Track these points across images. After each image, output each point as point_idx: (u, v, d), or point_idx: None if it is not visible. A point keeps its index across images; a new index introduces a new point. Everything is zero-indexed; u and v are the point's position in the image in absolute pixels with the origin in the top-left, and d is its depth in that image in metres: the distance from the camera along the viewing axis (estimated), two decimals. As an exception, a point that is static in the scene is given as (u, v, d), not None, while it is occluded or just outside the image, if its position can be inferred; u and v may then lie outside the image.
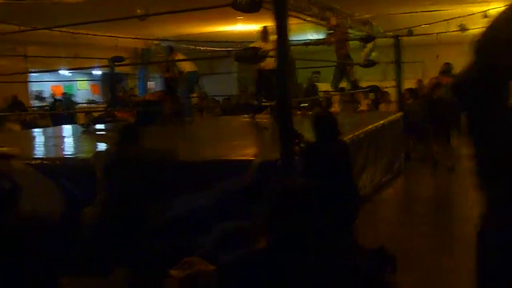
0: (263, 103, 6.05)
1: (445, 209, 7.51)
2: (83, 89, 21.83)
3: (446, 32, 16.89)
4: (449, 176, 9.47)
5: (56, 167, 5.50)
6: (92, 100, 20.94)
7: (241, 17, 16.20)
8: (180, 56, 9.98)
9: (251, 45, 8.28)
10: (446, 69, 11.77)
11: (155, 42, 19.51)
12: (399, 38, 10.58)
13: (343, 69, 10.18)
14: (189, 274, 2.34)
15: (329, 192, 4.43)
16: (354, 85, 10.32)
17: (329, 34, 10.37)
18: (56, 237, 1.95)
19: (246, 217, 4.61)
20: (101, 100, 20.15)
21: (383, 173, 8.09)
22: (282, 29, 4.74)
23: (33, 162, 5.58)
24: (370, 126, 7.45)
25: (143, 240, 4.65)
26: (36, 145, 8.23)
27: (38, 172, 5.49)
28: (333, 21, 10.29)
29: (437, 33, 16.95)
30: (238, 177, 4.61)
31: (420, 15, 15.77)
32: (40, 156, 5.86)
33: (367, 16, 15.15)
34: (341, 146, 5.01)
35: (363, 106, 10.69)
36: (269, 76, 7.49)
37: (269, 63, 7.03)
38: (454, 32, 16.97)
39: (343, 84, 10.98)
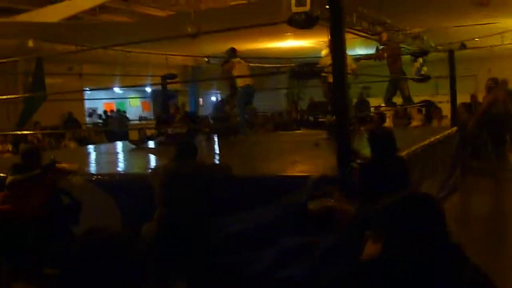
0: (319, 119, 6.03)
1: (503, 227, 7.30)
2: (134, 106, 22.29)
3: (499, 45, 16.55)
4: (507, 192, 9.22)
5: (114, 183, 5.60)
6: (144, 117, 21.34)
7: (290, 33, 16.27)
8: (242, 64, 9.97)
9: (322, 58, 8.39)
10: (494, 84, 11.57)
11: (205, 59, 19.73)
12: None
13: (396, 84, 10.07)
14: (326, 207, 2.33)
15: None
16: (409, 100, 10.18)
17: (381, 49, 10.30)
18: (115, 253, 1.95)
19: (303, 233, 4.60)
20: (152, 117, 20.49)
21: (439, 189, 7.93)
22: (338, 44, 4.74)
23: (92, 178, 5.70)
24: (425, 142, 7.32)
25: (202, 255, 4.68)
26: (93, 161, 8.40)
27: (97, 188, 5.61)
28: (385, 37, 10.21)
29: (491, 46, 16.62)
30: (296, 193, 4.60)
31: (472, 28, 15.51)
32: (99, 172, 5.97)
33: (418, 30, 14.95)
34: (399, 162, 4.94)
35: (416, 122, 10.52)
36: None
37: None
38: (507, 45, 16.63)
39: (395, 99, 10.87)
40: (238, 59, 9.82)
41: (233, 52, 9.86)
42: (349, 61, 9.08)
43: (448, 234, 1.97)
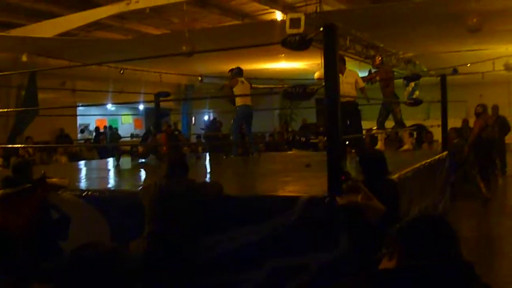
0: (311, 140, 6.03)
1: (492, 251, 7.32)
2: (127, 123, 22.29)
3: (491, 71, 16.74)
4: (496, 217, 9.27)
5: (105, 199, 5.57)
6: (136, 134, 21.35)
7: (283, 55, 16.39)
8: (245, 85, 10.16)
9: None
10: (483, 110, 11.82)
11: (199, 78, 19.83)
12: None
13: (389, 107, 10.16)
14: (355, 203, 2.36)
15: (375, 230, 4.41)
16: (401, 123, 10.24)
17: (374, 72, 10.41)
18: (105, 269, 1.96)
19: (293, 253, 4.60)
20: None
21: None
22: (332, 67, 4.78)
23: (82, 193, 5.67)
24: (416, 165, 7.36)
25: (191, 274, 4.66)
26: (84, 177, 8.37)
27: (87, 204, 5.58)
28: (378, 60, 10.34)
29: (483, 72, 16.81)
30: (286, 214, 4.60)
31: (464, 54, 15.69)
32: (89, 188, 5.94)
33: (411, 54, 15.12)
34: (389, 185, 4.97)
35: (408, 145, 10.55)
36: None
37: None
38: (498, 72, 16.82)
39: (388, 123, 10.94)
40: (242, 78, 9.97)
41: (239, 71, 10.01)
42: (357, 77, 9.31)
43: (461, 253, 2.05)
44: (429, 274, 1.94)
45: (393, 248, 2.05)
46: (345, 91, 8.62)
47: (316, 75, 13.58)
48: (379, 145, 10.26)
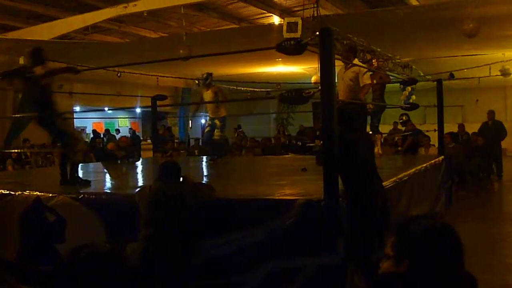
0: (307, 144, 6.02)
1: (488, 256, 7.32)
2: (123, 126, 22.26)
3: (487, 76, 16.79)
4: (492, 221, 9.29)
5: (101, 202, 5.58)
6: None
7: (280, 59, 16.42)
8: (220, 93, 10.12)
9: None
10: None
11: (196, 81, 19.84)
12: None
13: (376, 110, 9.90)
14: None
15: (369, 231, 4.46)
16: (376, 129, 10.05)
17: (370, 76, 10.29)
18: (100, 270, 1.96)
19: (289, 256, 4.61)
20: (141, 138, 20.46)
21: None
22: (328, 71, 4.80)
23: (79, 196, 5.67)
24: (412, 170, 7.38)
25: (186, 278, 4.66)
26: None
27: (83, 207, 5.58)
28: (375, 63, 10.27)
29: (479, 77, 16.85)
30: (282, 217, 4.61)
31: (460, 59, 15.74)
32: (85, 191, 5.94)
33: (407, 59, 15.15)
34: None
35: (376, 150, 10.39)
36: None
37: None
38: (495, 77, 16.87)
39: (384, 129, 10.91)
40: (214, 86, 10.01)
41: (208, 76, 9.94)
42: (358, 72, 8.19)
43: (464, 263, 2.09)
44: (438, 282, 1.97)
45: (400, 253, 2.07)
46: (340, 89, 8.20)
47: (313, 79, 13.60)
48: (376, 150, 10.17)
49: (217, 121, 9.81)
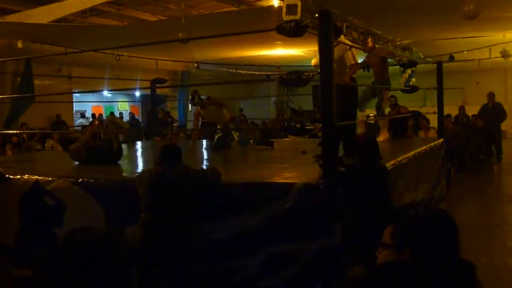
0: (306, 126, 5.98)
1: (487, 238, 7.36)
2: (123, 110, 22.24)
3: (487, 58, 16.73)
4: (491, 204, 9.31)
5: (100, 186, 5.57)
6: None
7: (280, 42, 16.35)
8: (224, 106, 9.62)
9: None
10: None
11: (195, 64, 19.78)
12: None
13: (378, 93, 9.84)
14: None
15: (367, 216, 4.45)
16: (382, 113, 9.97)
17: (365, 57, 10.15)
18: (99, 252, 1.95)
19: (288, 240, 4.62)
20: (141, 121, 20.45)
21: (425, 199, 7.98)
22: (327, 53, 4.77)
23: (78, 180, 5.67)
24: (412, 152, 7.37)
25: (187, 261, 4.68)
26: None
27: (82, 191, 5.58)
28: (370, 43, 10.07)
29: (479, 59, 16.80)
30: (281, 200, 4.61)
31: (461, 41, 15.67)
32: (84, 175, 5.93)
33: (407, 41, 15.08)
34: (380, 169, 5.01)
35: (383, 135, 10.29)
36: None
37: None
38: (495, 59, 16.82)
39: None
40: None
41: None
42: (343, 50, 7.04)
43: (459, 248, 2.11)
44: (442, 269, 1.98)
45: (400, 241, 2.08)
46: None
47: (313, 61, 13.47)
48: (382, 134, 10.02)
49: (230, 124, 9.51)
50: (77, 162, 7.19)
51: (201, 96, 9.45)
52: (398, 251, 2.07)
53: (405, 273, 2.02)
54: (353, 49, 7.11)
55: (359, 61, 8.09)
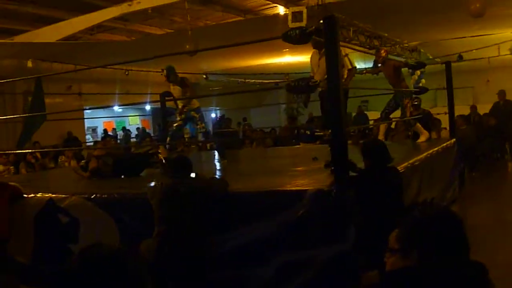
0: (316, 133, 5.97)
1: (501, 238, 7.28)
2: (134, 124, 22.34)
3: (496, 56, 16.62)
4: (505, 203, 9.22)
5: (113, 201, 5.60)
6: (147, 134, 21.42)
7: (287, 49, 16.36)
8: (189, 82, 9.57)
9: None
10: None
11: (204, 76, 19.82)
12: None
13: (399, 100, 9.60)
14: None
15: (380, 220, 4.42)
16: (408, 122, 9.80)
17: (380, 67, 9.99)
18: (113, 269, 1.95)
19: (301, 247, 4.60)
20: (152, 135, 20.52)
21: (438, 200, 7.93)
22: (333, 59, 4.77)
23: (91, 196, 5.70)
24: (424, 154, 7.34)
25: (202, 272, 4.67)
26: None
27: (96, 207, 5.61)
28: (384, 53, 9.92)
29: (489, 57, 16.69)
30: (294, 208, 4.60)
31: (469, 40, 15.60)
32: (98, 191, 5.96)
33: (415, 43, 15.03)
34: (393, 173, 4.99)
35: (423, 137, 10.14)
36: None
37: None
38: (505, 56, 16.70)
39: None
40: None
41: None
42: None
43: (469, 250, 2.06)
44: (451, 272, 1.95)
45: (407, 245, 2.05)
46: (318, 78, 6.90)
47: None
48: (422, 136, 9.88)
49: (193, 113, 9.21)
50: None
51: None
52: (405, 255, 2.03)
53: (413, 279, 1.98)
54: (349, 54, 7.07)
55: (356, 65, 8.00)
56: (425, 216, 2.08)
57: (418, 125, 9.96)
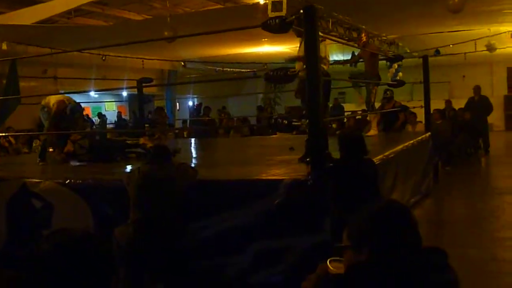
0: (293, 123, 5.97)
1: (474, 231, 7.39)
2: (110, 110, 22.15)
3: (473, 52, 16.80)
4: (479, 197, 9.36)
5: (88, 187, 5.55)
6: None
7: (266, 39, 16.33)
8: None
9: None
10: None
11: (182, 63, 19.71)
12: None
13: (367, 87, 9.74)
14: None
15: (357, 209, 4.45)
16: (372, 107, 9.88)
17: (359, 53, 10.10)
18: (83, 252, 1.94)
19: (277, 236, 4.62)
20: (129, 121, 20.38)
21: (412, 193, 8.02)
22: (312, 49, 4.78)
23: (66, 181, 5.64)
24: (399, 146, 7.40)
25: (176, 259, 4.66)
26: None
27: (70, 192, 5.55)
28: (364, 38, 9.99)
29: (465, 53, 16.86)
30: (270, 197, 4.62)
31: (446, 35, 15.73)
32: (72, 176, 5.90)
33: (394, 36, 15.10)
34: (368, 164, 5.03)
35: (373, 131, 10.13)
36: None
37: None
38: (481, 52, 16.89)
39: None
40: None
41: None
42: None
43: (421, 240, 2.06)
44: (406, 265, 1.95)
45: (356, 241, 2.04)
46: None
47: (297, 66, 13.45)
48: (372, 130, 9.92)
49: None
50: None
51: None
52: (357, 251, 2.03)
53: (367, 273, 1.98)
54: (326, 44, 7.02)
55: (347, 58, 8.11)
56: (371, 210, 2.08)
57: (374, 119, 9.97)
